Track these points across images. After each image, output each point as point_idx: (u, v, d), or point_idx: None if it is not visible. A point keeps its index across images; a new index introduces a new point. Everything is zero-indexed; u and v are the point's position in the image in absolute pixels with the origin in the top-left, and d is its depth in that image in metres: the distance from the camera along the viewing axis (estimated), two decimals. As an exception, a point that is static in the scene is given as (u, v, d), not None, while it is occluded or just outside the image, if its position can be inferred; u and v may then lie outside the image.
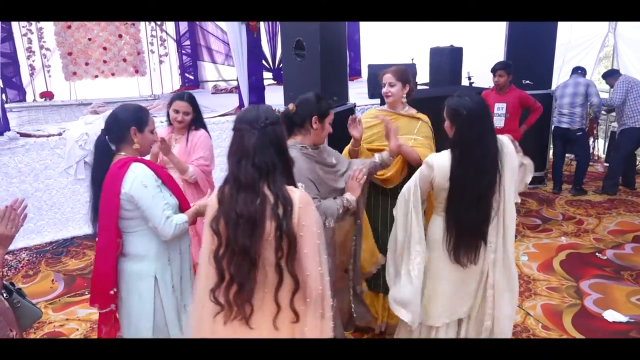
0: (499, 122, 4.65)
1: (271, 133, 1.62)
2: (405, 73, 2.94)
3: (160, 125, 5.48)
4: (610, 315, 3.42)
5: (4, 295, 1.91)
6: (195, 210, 2.26)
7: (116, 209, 2.09)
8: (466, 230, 2.27)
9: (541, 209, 5.51)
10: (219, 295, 1.62)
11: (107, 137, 2.19)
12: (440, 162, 2.30)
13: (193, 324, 1.79)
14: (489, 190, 2.25)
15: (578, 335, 3.23)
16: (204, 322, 1.72)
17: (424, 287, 2.43)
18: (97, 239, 2.18)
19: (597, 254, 4.39)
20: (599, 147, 7.69)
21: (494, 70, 4.89)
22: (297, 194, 1.63)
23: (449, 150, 2.31)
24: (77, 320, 3.57)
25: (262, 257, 1.58)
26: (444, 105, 2.35)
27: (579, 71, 6.08)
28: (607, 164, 7.03)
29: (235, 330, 1.65)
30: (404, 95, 2.96)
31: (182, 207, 2.28)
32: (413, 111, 3.03)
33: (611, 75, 6.20)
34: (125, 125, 2.16)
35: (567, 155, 7.59)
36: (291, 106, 2.40)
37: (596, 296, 3.70)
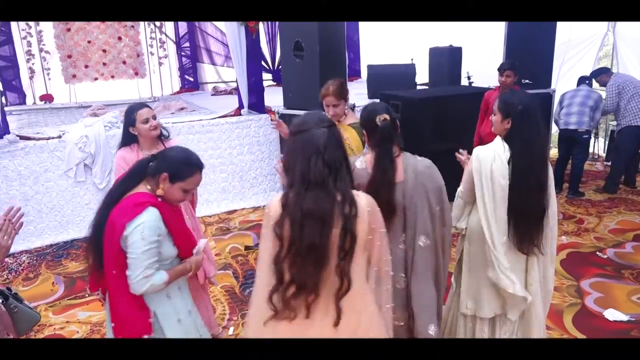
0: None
1: (337, 133, 1.66)
2: (342, 88, 3.04)
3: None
4: (611, 314, 3.42)
5: (0, 300, 1.91)
6: (182, 268, 2.14)
7: (119, 245, 1.98)
8: (530, 218, 2.33)
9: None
10: (277, 298, 1.61)
11: (151, 162, 2.07)
12: (490, 157, 2.34)
13: (250, 331, 1.77)
14: (547, 179, 2.35)
15: (579, 335, 3.23)
16: (262, 328, 1.70)
17: (472, 281, 2.50)
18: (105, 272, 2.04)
19: (597, 253, 4.38)
20: (599, 146, 7.69)
21: (501, 70, 4.84)
22: (363, 197, 1.64)
23: (497, 144, 2.36)
24: (78, 323, 3.57)
25: (328, 256, 1.58)
26: (497, 101, 2.42)
27: (586, 81, 6.01)
28: (607, 163, 7.03)
29: (293, 331, 1.64)
30: (346, 107, 3.10)
31: (183, 252, 2.15)
32: (351, 119, 3.11)
33: (604, 73, 6.14)
34: (162, 167, 2.04)
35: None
36: (384, 116, 2.27)
37: (597, 295, 3.70)
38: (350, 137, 2.97)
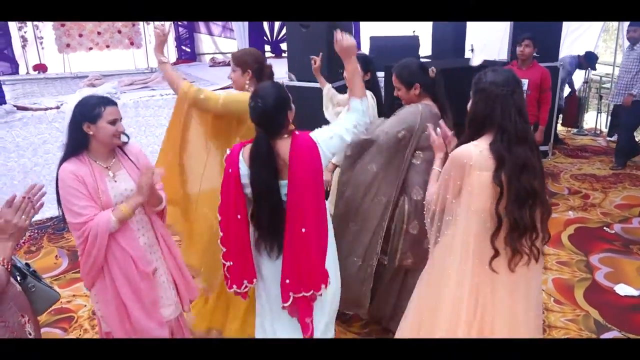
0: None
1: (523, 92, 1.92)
2: (244, 58, 2.66)
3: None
4: (622, 290, 3.43)
5: (18, 279, 1.84)
6: None
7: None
8: None
9: (546, 184, 5.48)
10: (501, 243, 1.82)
11: (266, 132, 2.03)
12: None
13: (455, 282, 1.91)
14: None
15: (591, 309, 3.23)
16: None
17: None
18: (303, 229, 2.02)
19: (605, 228, 4.38)
20: (602, 121, 7.65)
21: (520, 40, 4.69)
22: None
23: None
24: (85, 296, 3.52)
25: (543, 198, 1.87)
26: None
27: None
28: (609, 138, 7.01)
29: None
30: (247, 82, 2.65)
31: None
32: None
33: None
34: (284, 111, 2.05)
35: (570, 129, 7.60)
36: (433, 69, 2.57)
37: (606, 270, 3.70)
38: None
